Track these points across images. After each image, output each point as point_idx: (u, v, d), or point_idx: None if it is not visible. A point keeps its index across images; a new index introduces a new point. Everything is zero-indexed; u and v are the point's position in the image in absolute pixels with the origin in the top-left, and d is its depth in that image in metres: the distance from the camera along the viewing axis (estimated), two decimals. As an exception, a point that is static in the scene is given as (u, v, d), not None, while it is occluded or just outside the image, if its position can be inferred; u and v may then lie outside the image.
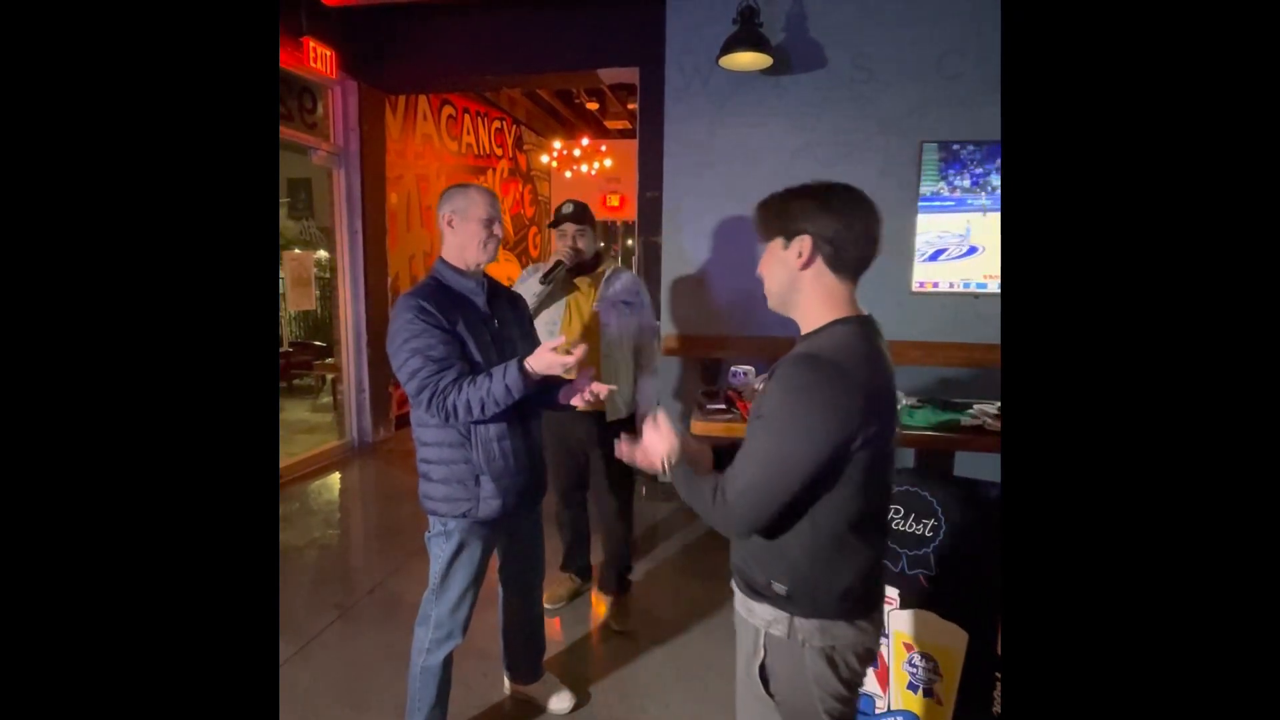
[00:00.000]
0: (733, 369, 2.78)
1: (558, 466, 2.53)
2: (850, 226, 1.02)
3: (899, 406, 2.52)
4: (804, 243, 1.04)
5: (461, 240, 1.65)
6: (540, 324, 2.31)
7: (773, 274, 1.10)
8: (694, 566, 3.04)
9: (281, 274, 4.41)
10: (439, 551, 1.69)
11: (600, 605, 2.66)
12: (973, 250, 3.32)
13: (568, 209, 2.39)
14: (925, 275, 3.38)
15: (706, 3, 3.35)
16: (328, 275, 5.06)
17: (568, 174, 6.48)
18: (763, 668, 1.13)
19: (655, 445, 1.15)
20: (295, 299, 4.58)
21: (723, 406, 2.58)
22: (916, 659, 1.76)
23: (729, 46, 3.09)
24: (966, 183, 3.28)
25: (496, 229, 1.66)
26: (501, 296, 1.79)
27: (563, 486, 2.60)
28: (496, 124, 6.89)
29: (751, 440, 1.03)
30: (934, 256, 3.36)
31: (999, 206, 3.26)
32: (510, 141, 7.24)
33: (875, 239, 1.05)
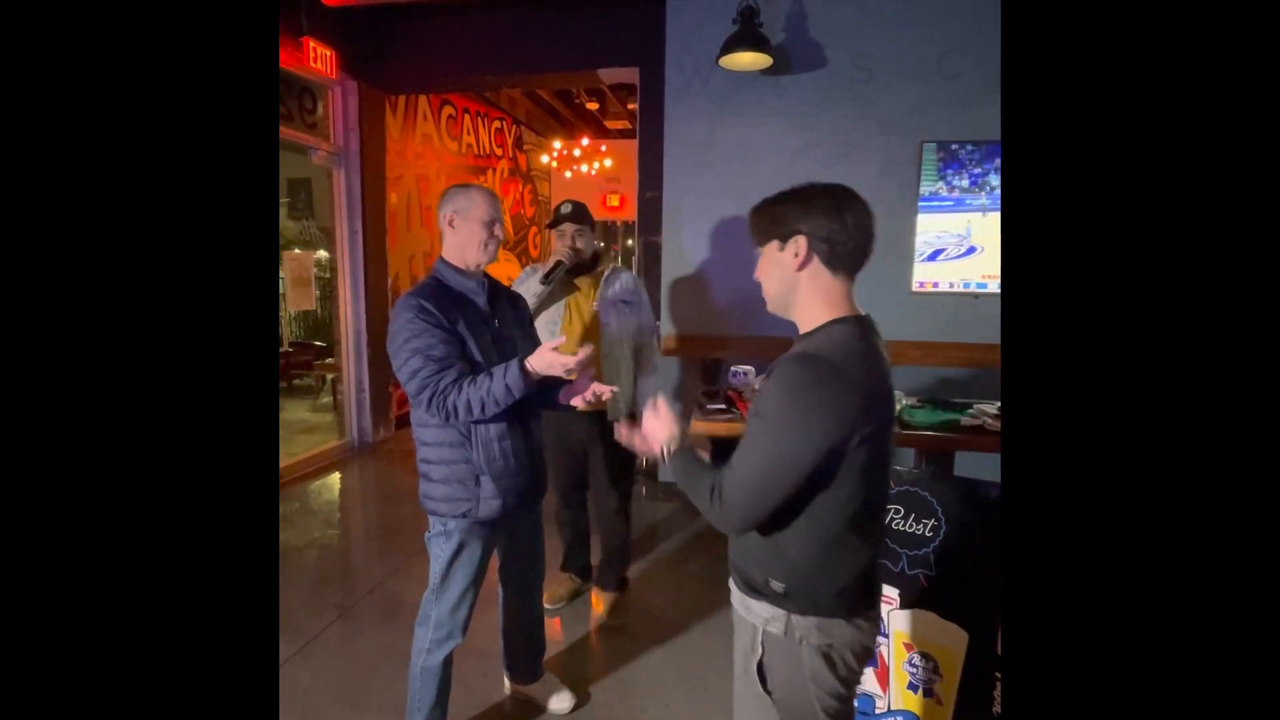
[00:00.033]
0: (733, 369, 2.78)
1: (558, 466, 2.53)
2: (843, 224, 1.03)
3: (899, 406, 2.52)
4: (799, 243, 1.05)
5: (462, 240, 1.65)
6: (540, 324, 2.31)
7: (770, 277, 1.11)
8: (694, 566, 3.04)
9: (281, 274, 4.41)
10: (439, 551, 1.69)
11: (599, 602, 2.67)
12: (971, 250, 3.32)
13: (566, 209, 2.39)
14: (925, 275, 3.38)
15: (706, 3, 3.35)
16: (328, 275, 5.06)
17: (568, 174, 6.47)
18: (760, 666, 1.14)
19: (655, 431, 1.17)
20: (295, 299, 4.58)
21: (723, 406, 2.58)
22: (916, 659, 1.76)
23: (729, 46, 3.09)
24: (965, 182, 3.28)
25: (497, 230, 1.66)
26: (502, 296, 1.79)
27: (563, 486, 2.60)
28: (496, 124, 6.89)
29: (749, 438, 1.04)
30: (932, 256, 3.36)
31: (997, 206, 3.26)
32: (510, 141, 7.24)
33: (869, 234, 1.06)
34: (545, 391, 1.66)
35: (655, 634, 2.47)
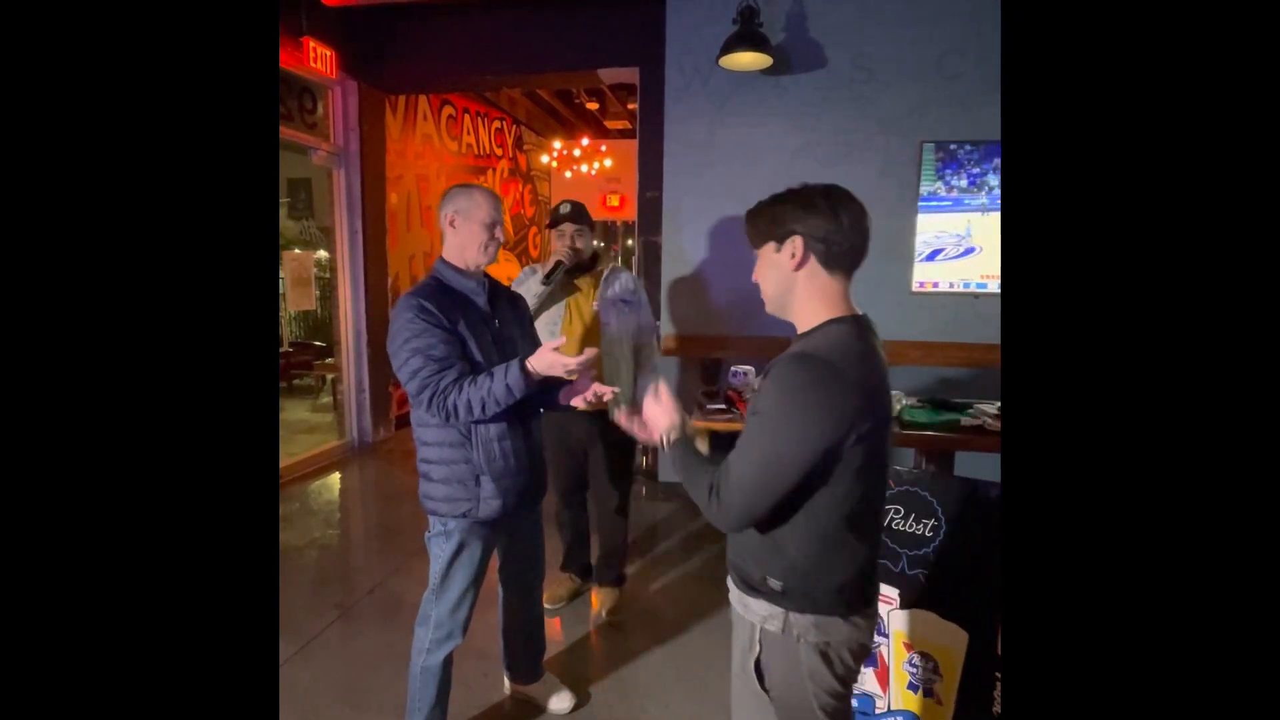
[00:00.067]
0: (733, 369, 2.78)
1: (558, 466, 2.53)
2: (839, 224, 1.05)
3: (900, 406, 2.53)
4: (796, 244, 1.06)
5: (463, 241, 1.65)
6: (541, 325, 2.31)
7: (768, 278, 1.12)
8: (694, 567, 3.04)
9: (281, 274, 4.41)
10: (439, 551, 1.69)
11: (597, 599, 2.68)
12: (970, 250, 3.32)
13: (565, 209, 2.39)
14: (925, 275, 3.38)
15: (706, 3, 3.35)
16: (328, 275, 5.06)
17: (568, 174, 6.47)
18: (758, 663, 1.14)
19: (657, 417, 1.18)
20: (295, 299, 4.58)
21: (722, 406, 2.59)
22: (916, 659, 1.76)
23: (729, 46, 3.10)
24: (963, 182, 3.28)
25: (498, 232, 1.66)
26: (502, 296, 1.79)
27: (563, 486, 2.60)
28: (496, 124, 6.89)
29: (747, 437, 1.05)
30: (931, 256, 3.36)
31: (995, 206, 3.26)
32: (510, 141, 7.24)
33: (865, 234, 1.08)
34: (545, 392, 1.66)
35: (655, 634, 2.47)
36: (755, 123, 3.44)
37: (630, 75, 4.08)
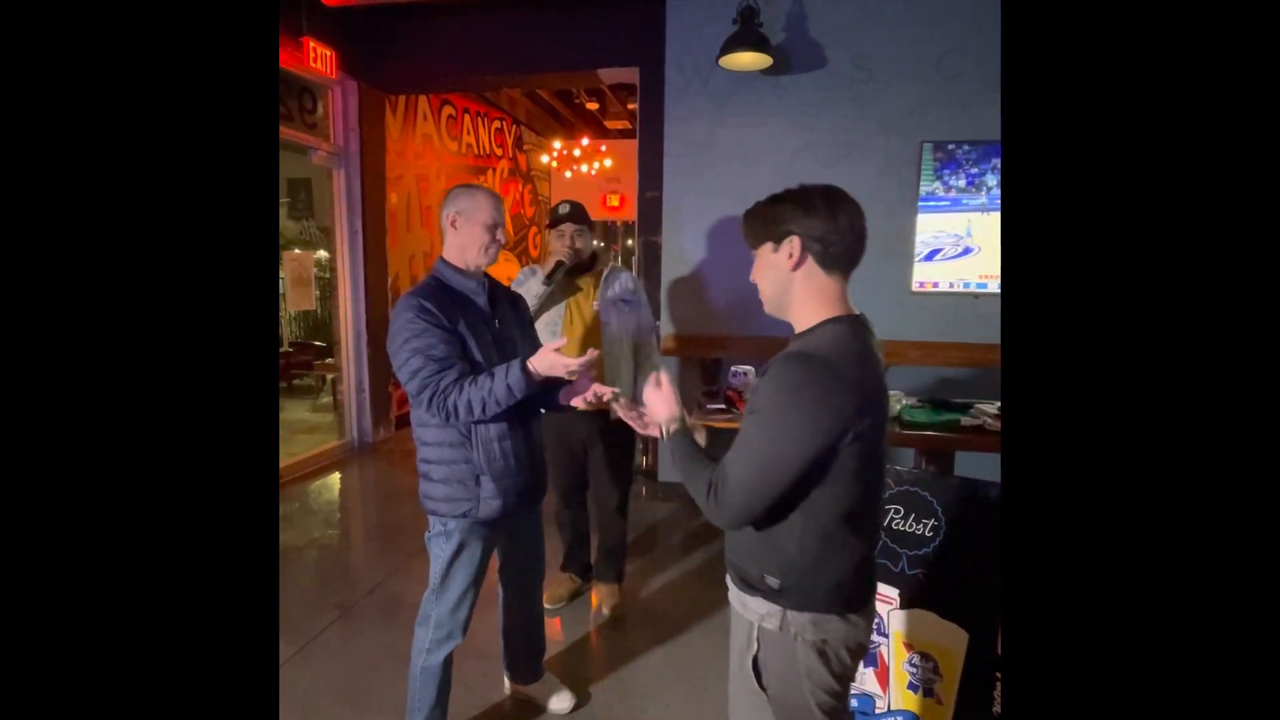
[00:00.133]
0: (733, 369, 2.78)
1: (558, 467, 2.54)
2: (836, 224, 1.06)
3: (900, 406, 2.53)
4: (793, 243, 1.07)
5: (464, 241, 1.65)
6: (541, 325, 2.31)
7: (766, 278, 1.13)
8: (694, 567, 3.04)
9: (281, 274, 4.41)
10: (439, 551, 1.69)
11: (597, 595, 2.69)
12: (968, 250, 3.33)
13: (564, 209, 2.39)
14: (925, 275, 3.38)
15: (706, 3, 3.36)
16: (328, 275, 5.06)
17: (568, 174, 6.46)
18: (756, 661, 1.15)
19: (657, 405, 1.20)
20: (295, 299, 4.58)
21: (722, 406, 2.59)
22: (916, 659, 1.76)
23: (729, 46, 3.10)
24: (962, 182, 3.28)
25: (500, 234, 1.66)
26: (502, 296, 1.79)
27: (563, 486, 2.61)
28: (496, 124, 6.89)
29: (745, 435, 1.05)
30: (929, 256, 3.36)
31: (994, 206, 3.26)
32: (510, 141, 7.24)
33: (862, 235, 1.08)
34: (546, 392, 1.66)
35: (655, 634, 2.47)
36: (755, 123, 3.44)
37: (630, 75, 4.08)
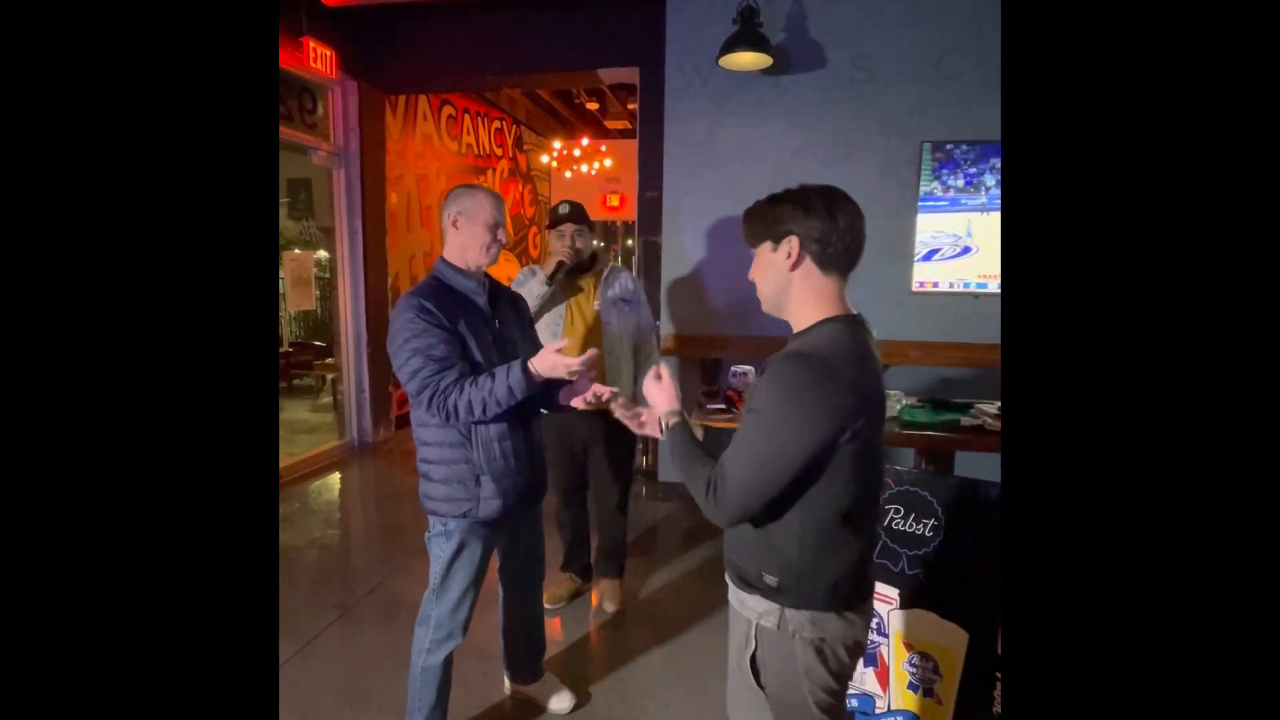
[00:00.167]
0: (733, 369, 2.78)
1: (558, 467, 2.54)
2: (835, 224, 1.06)
3: (900, 406, 2.53)
4: (792, 243, 1.08)
5: (465, 241, 1.65)
6: (542, 326, 2.31)
7: (764, 278, 1.14)
8: (693, 566, 3.04)
9: (281, 274, 4.41)
10: (439, 551, 1.69)
11: (595, 596, 2.69)
12: (966, 250, 3.33)
13: (564, 210, 2.39)
14: (925, 275, 3.38)
15: (706, 3, 3.36)
16: (328, 275, 5.06)
17: (568, 174, 6.46)
18: (754, 660, 1.15)
19: (657, 398, 1.21)
20: (295, 299, 4.58)
21: (722, 406, 2.59)
22: (916, 659, 1.76)
23: (729, 46, 3.10)
24: (960, 183, 3.29)
25: (500, 234, 1.66)
26: (502, 296, 1.79)
27: (563, 486, 2.61)
28: (496, 124, 6.89)
29: (743, 434, 1.06)
30: (928, 257, 3.36)
31: (993, 206, 3.26)
32: (510, 141, 7.24)
33: (860, 235, 1.09)
34: (546, 392, 1.66)
35: (655, 633, 2.47)
36: (755, 123, 3.44)
37: (630, 75, 4.08)
